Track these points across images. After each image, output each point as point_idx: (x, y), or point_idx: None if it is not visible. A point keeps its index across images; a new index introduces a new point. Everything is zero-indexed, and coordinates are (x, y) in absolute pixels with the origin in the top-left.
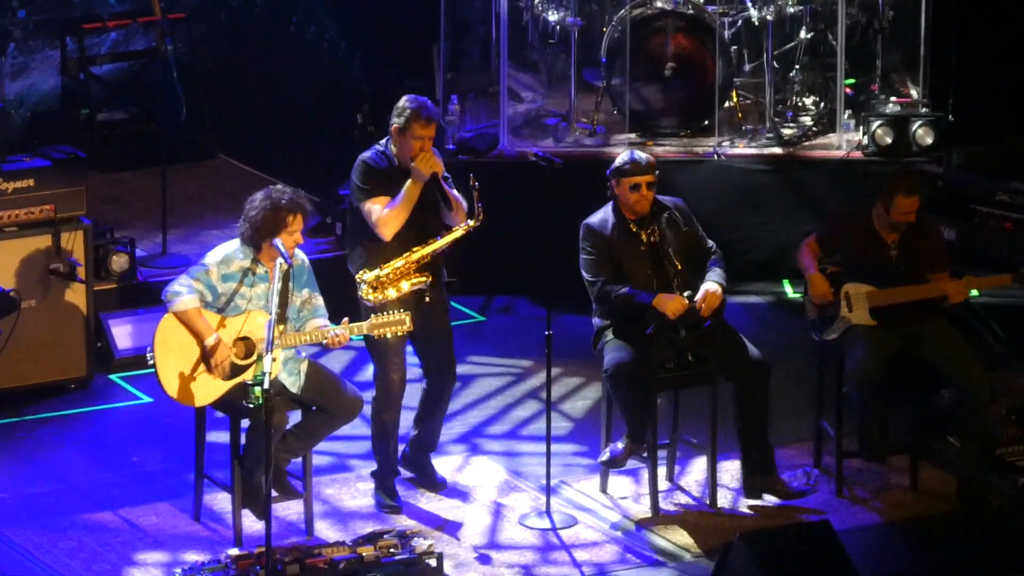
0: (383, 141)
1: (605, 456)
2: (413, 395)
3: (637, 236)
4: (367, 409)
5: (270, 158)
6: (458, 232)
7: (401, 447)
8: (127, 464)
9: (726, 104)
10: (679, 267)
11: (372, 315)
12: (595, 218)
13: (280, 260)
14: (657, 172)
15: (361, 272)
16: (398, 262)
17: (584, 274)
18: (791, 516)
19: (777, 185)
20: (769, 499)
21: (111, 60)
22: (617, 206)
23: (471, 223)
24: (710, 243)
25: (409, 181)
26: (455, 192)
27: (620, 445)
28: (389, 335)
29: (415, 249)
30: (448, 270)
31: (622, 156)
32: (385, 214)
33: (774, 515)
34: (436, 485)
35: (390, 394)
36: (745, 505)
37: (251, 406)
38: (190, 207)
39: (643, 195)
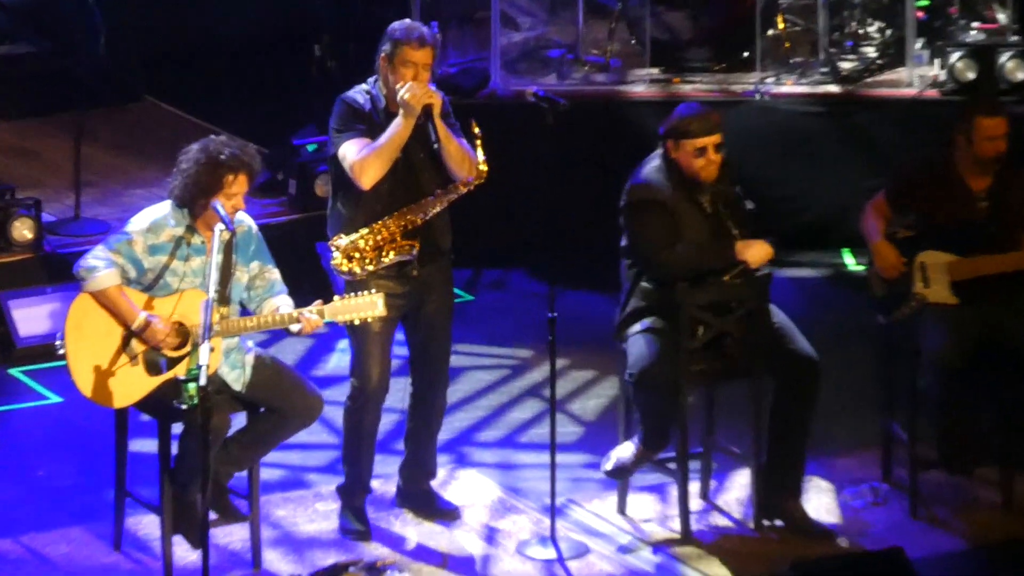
0: (370, 80)
1: (609, 464)
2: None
3: (699, 202)
4: (328, 411)
5: (208, 101)
6: (456, 190)
7: (385, 482)
8: (31, 479)
9: (769, 31)
10: (739, 235)
11: (336, 296)
12: (647, 177)
13: (220, 226)
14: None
15: (335, 237)
16: (379, 226)
17: (635, 240)
18: (854, 540)
19: (833, 131)
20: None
21: None
22: (674, 166)
23: (471, 180)
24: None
25: (398, 117)
26: (463, 140)
27: (630, 450)
28: (358, 321)
29: (403, 210)
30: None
31: (681, 111)
32: (364, 155)
33: (833, 540)
34: (448, 514)
35: (367, 392)
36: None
37: (184, 407)
38: (110, 162)
39: (710, 159)
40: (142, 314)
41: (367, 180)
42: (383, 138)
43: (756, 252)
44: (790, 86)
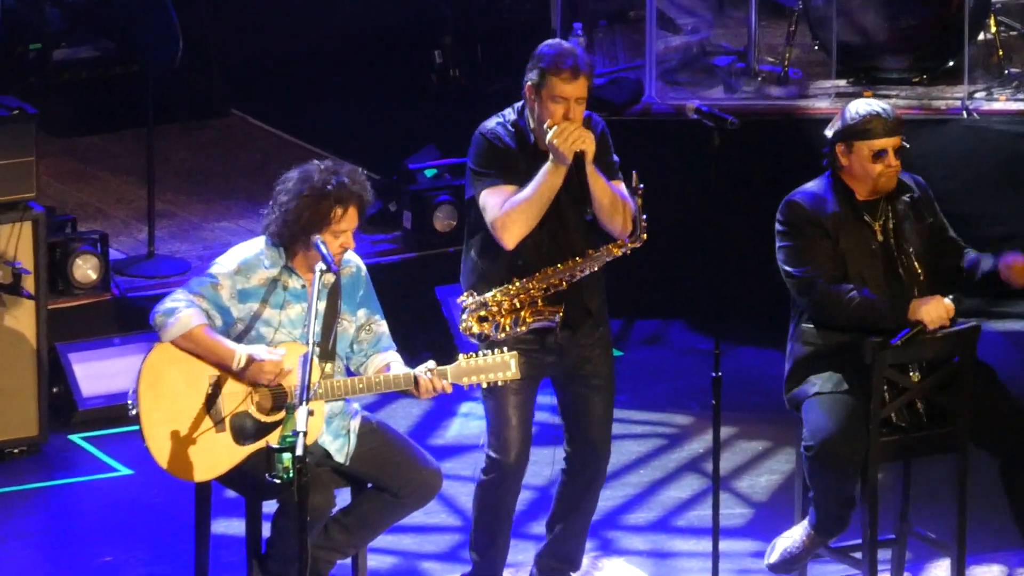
0: (516, 106)
1: (773, 556)
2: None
3: (869, 226)
4: (448, 486)
5: (306, 116)
6: (609, 253)
7: (516, 572)
8: (96, 567)
9: (980, 36)
10: (922, 275)
11: (461, 355)
12: (805, 193)
13: (321, 267)
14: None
15: (466, 294)
16: (517, 287)
17: (786, 267)
18: None
19: None
20: None
21: None
22: (839, 181)
23: (628, 241)
24: (954, 236)
25: (547, 165)
26: (623, 191)
27: (797, 536)
28: (486, 384)
29: (547, 271)
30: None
31: (855, 109)
32: (508, 210)
33: None
34: None
35: (505, 465)
36: None
37: (278, 482)
38: (189, 188)
39: (889, 165)
40: (240, 349)
41: (510, 239)
42: (529, 189)
43: (932, 311)
44: (1004, 102)
